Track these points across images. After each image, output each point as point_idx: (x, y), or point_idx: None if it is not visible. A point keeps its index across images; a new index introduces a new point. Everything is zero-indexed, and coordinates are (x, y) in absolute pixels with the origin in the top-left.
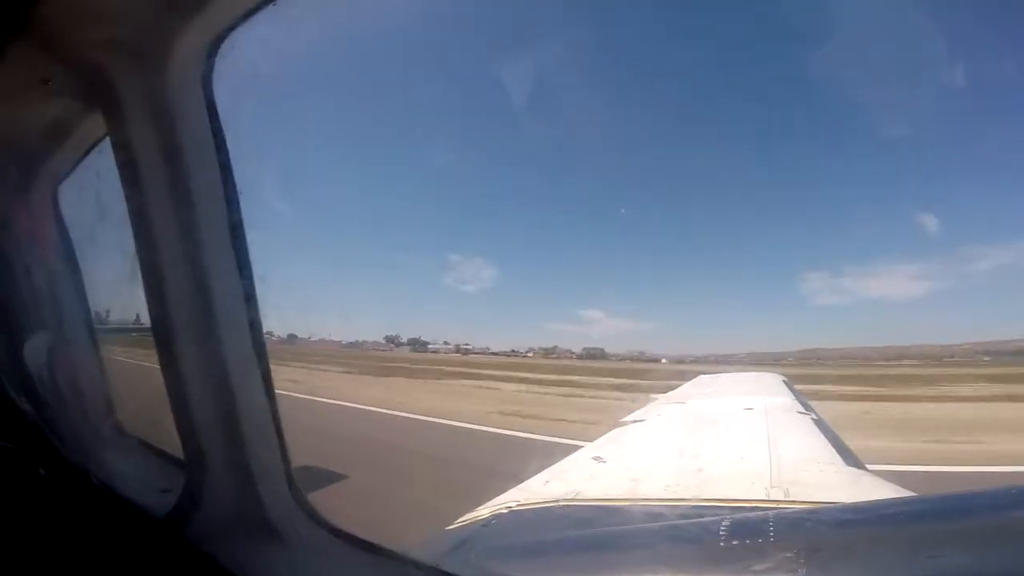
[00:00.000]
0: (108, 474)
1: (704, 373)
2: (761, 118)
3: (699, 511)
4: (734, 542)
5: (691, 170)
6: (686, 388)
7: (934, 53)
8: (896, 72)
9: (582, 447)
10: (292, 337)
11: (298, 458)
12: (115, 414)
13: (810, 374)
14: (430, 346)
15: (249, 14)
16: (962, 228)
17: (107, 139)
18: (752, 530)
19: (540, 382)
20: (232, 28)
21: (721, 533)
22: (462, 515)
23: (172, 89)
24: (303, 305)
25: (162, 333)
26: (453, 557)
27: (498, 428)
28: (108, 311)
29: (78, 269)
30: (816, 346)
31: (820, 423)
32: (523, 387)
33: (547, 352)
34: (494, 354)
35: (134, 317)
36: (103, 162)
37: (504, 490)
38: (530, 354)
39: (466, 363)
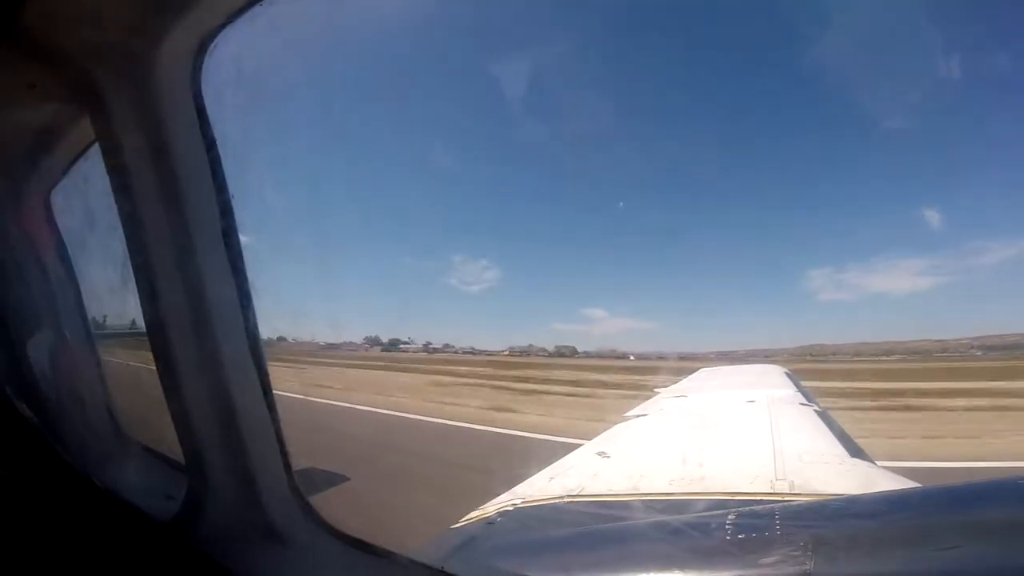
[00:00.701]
0: (112, 480)
1: (684, 368)
2: (763, 114)
3: (704, 506)
4: (740, 536)
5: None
6: (688, 381)
7: (935, 48)
8: (898, 67)
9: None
10: (281, 339)
11: None
12: (116, 419)
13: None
14: (401, 346)
15: (237, 13)
16: (965, 224)
17: (97, 143)
18: (758, 524)
19: (451, 373)
20: (221, 28)
21: (727, 527)
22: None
23: (161, 91)
24: (291, 307)
25: (158, 338)
26: (459, 556)
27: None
28: (106, 316)
29: (74, 274)
30: (814, 343)
31: (823, 415)
32: (418, 376)
33: (523, 351)
34: (465, 352)
35: (131, 321)
36: (94, 166)
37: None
38: (505, 353)
39: (412, 360)
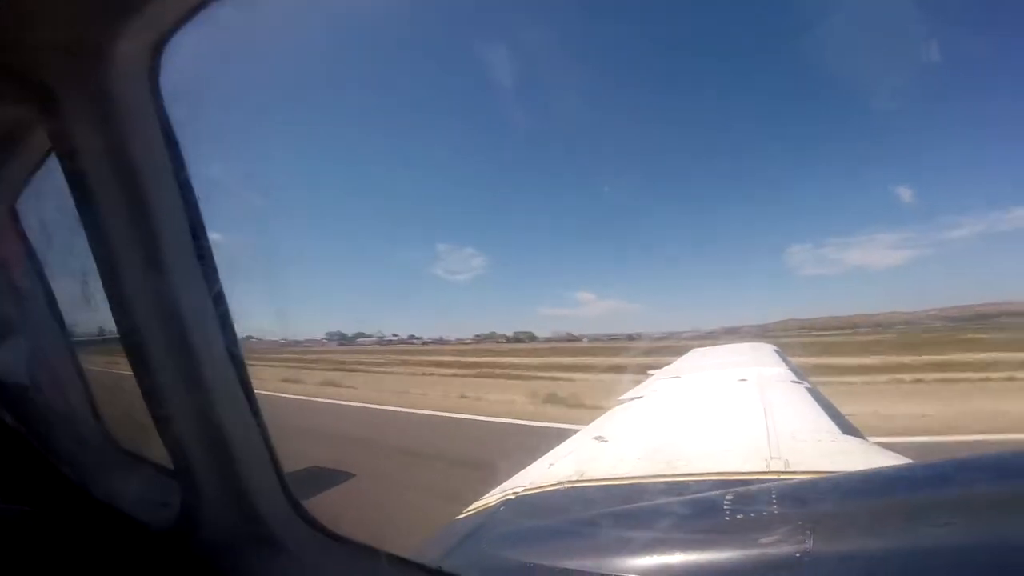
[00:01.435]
0: (107, 490)
1: (652, 349)
2: (744, 97)
3: (701, 486)
4: (739, 516)
5: (675, 151)
6: (680, 362)
7: (914, 31)
8: (877, 51)
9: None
10: (250, 338)
11: None
12: (105, 428)
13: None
14: (359, 340)
15: (197, 9)
16: (938, 200)
17: (55, 149)
18: (755, 503)
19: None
20: (180, 25)
21: (725, 507)
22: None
23: (117, 93)
24: (260, 307)
25: (133, 346)
26: (463, 548)
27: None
28: (82, 324)
29: (48, 285)
30: (788, 317)
31: (813, 391)
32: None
33: (484, 338)
34: (428, 343)
35: (109, 328)
36: (56, 173)
37: None
38: (469, 340)
39: (363, 351)
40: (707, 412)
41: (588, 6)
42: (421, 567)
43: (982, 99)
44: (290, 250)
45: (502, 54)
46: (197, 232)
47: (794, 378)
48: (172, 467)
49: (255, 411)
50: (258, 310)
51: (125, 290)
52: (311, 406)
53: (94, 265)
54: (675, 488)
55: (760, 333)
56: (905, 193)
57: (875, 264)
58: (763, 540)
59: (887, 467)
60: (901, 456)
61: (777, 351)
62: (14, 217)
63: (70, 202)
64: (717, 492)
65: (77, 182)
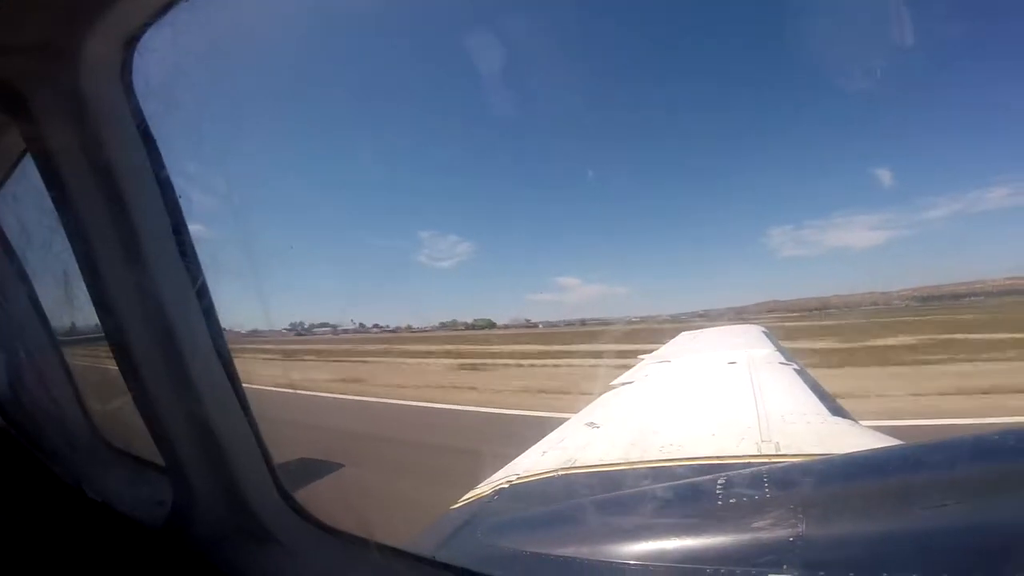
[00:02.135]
0: (102, 489)
1: (594, 333)
2: (723, 81)
3: (693, 471)
4: (732, 501)
5: (656, 136)
6: (670, 347)
7: (890, 15)
8: (852, 33)
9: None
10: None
11: None
12: (95, 426)
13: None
14: (315, 330)
15: (167, 6)
16: (915, 181)
17: (30, 149)
18: (748, 487)
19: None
20: (151, 21)
21: (718, 492)
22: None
23: (91, 91)
24: (236, 299)
25: (118, 343)
26: (458, 537)
27: None
28: (67, 323)
29: (31, 285)
30: (769, 299)
31: (802, 372)
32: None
33: (447, 325)
34: (392, 331)
35: (95, 325)
36: (33, 173)
37: None
38: (432, 328)
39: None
40: (697, 396)
41: None
42: (415, 557)
43: (960, 82)
44: (271, 242)
45: (484, 41)
46: (178, 227)
47: (782, 360)
48: (162, 463)
49: (243, 404)
50: (234, 303)
51: (108, 288)
52: None
53: (76, 264)
54: (667, 473)
55: (735, 316)
56: (884, 175)
57: (854, 245)
58: (756, 524)
59: (878, 449)
60: (889, 437)
61: (765, 332)
62: None
63: (48, 202)
64: (709, 477)
65: (54, 182)
